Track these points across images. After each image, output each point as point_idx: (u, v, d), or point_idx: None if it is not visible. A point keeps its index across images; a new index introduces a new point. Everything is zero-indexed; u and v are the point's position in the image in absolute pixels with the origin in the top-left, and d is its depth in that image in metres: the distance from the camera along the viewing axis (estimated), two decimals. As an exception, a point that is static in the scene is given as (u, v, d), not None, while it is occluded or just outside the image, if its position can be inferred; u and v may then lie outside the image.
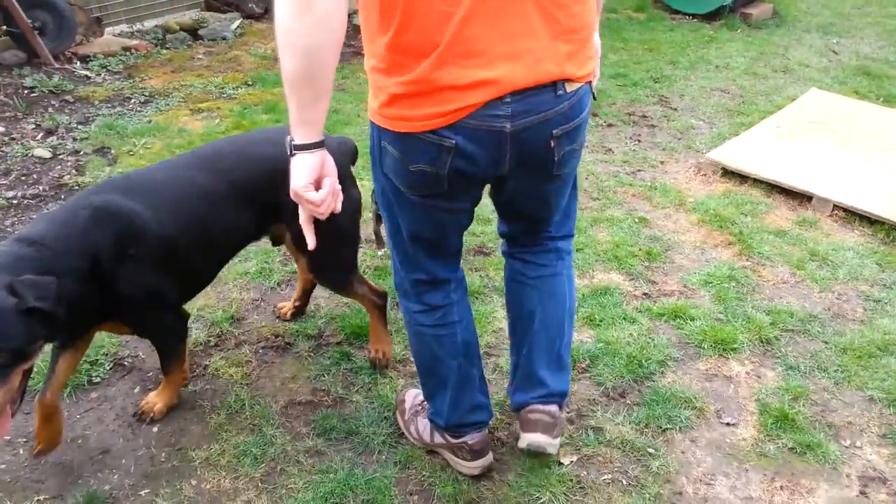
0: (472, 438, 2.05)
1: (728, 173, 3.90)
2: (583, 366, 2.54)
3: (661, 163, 4.09)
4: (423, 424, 2.16)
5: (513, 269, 2.07)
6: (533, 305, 2.02)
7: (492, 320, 2.74)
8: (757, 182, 3.80)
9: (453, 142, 1.54)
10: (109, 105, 4.46)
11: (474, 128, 1.53)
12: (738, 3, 6.14)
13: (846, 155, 3.96)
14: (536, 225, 1.98)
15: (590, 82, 1.68)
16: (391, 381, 2.45)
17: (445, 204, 1.72)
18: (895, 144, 4.06)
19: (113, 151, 3.91)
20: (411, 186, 1.67)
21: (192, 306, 2.73)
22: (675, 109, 4.73)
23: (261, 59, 5.23)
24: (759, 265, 3.18)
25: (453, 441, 2.08)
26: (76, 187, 3.56)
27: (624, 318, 2.79)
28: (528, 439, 2.02)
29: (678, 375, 2.53)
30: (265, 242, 2.48)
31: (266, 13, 6.06)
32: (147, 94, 4.61)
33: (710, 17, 6.21)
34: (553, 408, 2.02)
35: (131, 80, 4.78)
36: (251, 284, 2.91)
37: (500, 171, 1.65)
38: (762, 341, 2.69)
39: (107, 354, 2.52)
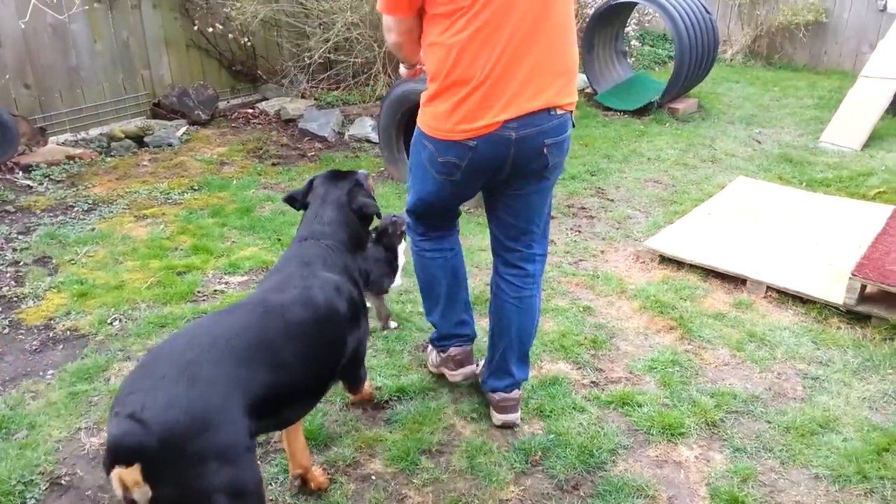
0: (455, 350, 2.81)
1: (665, 260, 4.04)
2: (535, 458, 2.54)
3: (602, 252, 4.21)
4: (431, 353, 2.95)
5: (498, 286, 2.63)
6: (511, 318, 2.61)
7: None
8: (693, 267, 3.94)
9: (475, 143, 2.25)
10: (52, 214, 4.42)
11: (490, 136, 2.22)
12: (665, 99, 6.50)
13: (775, 238, 4.15)
14: (521, 235, 2.53)
15: (571, 111, 2.33)
16: (341, 485, 2.40)
17: (458, 185, 2.40)
18: (819, 226, 4.28)
19: (54, 261, 3.86)
20: (439, 171, 2.37)
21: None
22: (612, 200, 4.91)
23: (206, 163, 5.29)
24: (700, 348, 3.26)
25: (443, 355, 2.84)
26: (15, 299, 3.48)
27: (573, 408, 2.82)
28: (502, 419, 2.71)
29: (629, 463, 2.54)
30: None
31: (212, 119, 6.17)
32: (91, 201, 4.60)
33: (640, 112, 6.56)
34: (516, 392, 2.70)
35: (75, 189, 4.77)
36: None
37: (504, 169, 2.30)
38: (708, 424, 2.73)
39: (42, 473, 2.42)
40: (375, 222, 2.66)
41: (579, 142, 5.94)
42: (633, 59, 8.13)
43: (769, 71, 8.32)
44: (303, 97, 6.56)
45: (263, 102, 6.55)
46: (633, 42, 8.38)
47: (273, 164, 5.36)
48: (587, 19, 6.95)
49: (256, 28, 6.20)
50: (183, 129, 5.81)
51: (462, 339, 2.83)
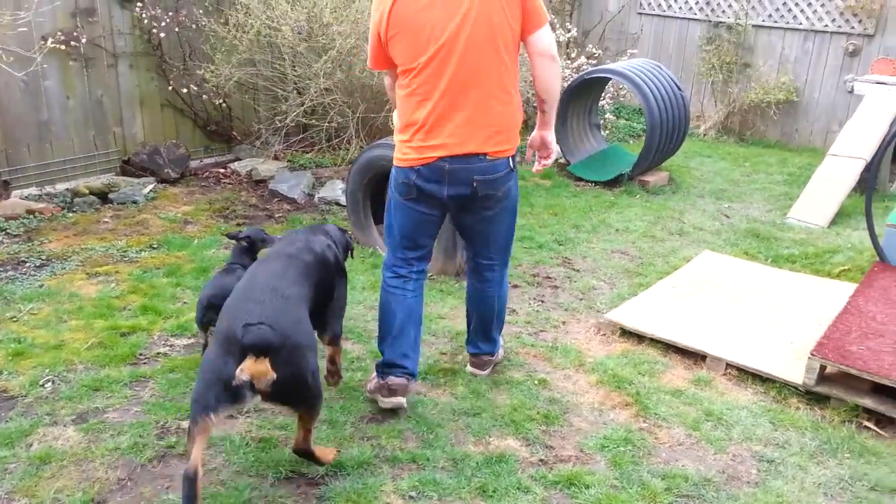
0: (392, 380, 3.10)
1: (626, 333, 3.97)
2: (471, 542, 2.41)
3: (563, 323, 4.14)
4: (372, 379, 3.23)
5: (469, 283, 3.41)
6: (473, 306, 3.42)
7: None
8: (654, 341, 3.87)
9: (419, 169, 2.95)
10: (2, 269, 4.32)
11: (429, 165, 2.93)
12: (636, 171, 6.54)
13: (738, 313, 4.10)
14: (480, 250, 3.27)
15: (509, 157, 3.00)
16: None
17: (416, 206, 3.05)
18: (783, 303, 4.24)
19: (-4, 317, 3.74)
20: (400, 193, 3.06)
21: (49, 488, 2.52)
22: (578, 271, 4.87)
23: (169, 222, 5.23)
24: (655, 426, 3.16)
25: (381, 381, 3.13)
26: (-52, 357, 3.35)
27: (518, 488, 2.70)
28: (471, 370, 3.53)
29: (571, 550, 2.41)
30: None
31: (182, 178, 6.14)
32: (44, 257, 4.50)
33: (611, 184, 6.59)
34: (486, 357, 3.52)
35: (30, 244, 4.68)
36: (119, 461, 2.71)
37: (442, 193, 2.96)
38: (656, 509, 2.62)
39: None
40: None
41: (549, 211, 5.94)
42: (607, 131, 8.23)
43: (741, 147, 8.44)
44: (276, 158, 6.56)
45: (236, 163, 6.54)
46: (608, 115, 8.50)
47: (238, 224, 5.30)
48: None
49: (232, 90, 6.24)
50: (150, 187, 5.76)
51: (402, 370, 3.15)
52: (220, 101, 6.29)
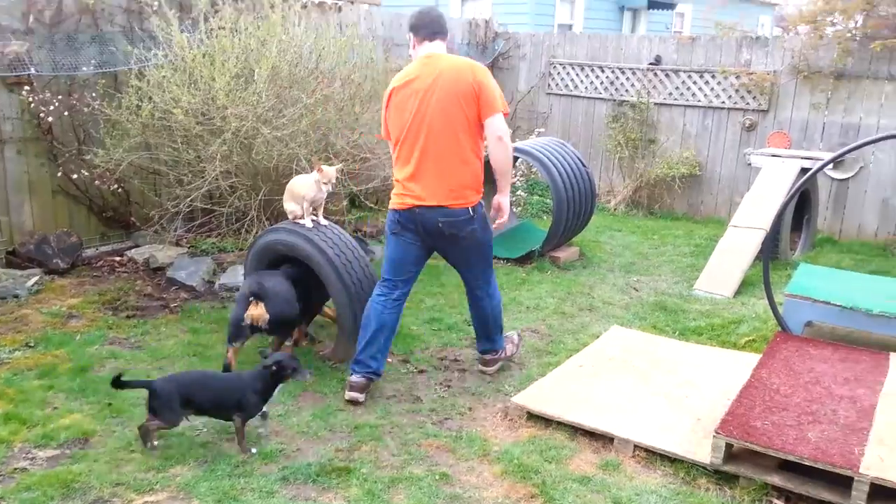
0: (354, 378, 3.97)
1: (534, 416, 3.82)
2: None
3: (470, 409, 3.97)
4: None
5: (467, 297, 4.33)
6: (474, 315, 4.35)
7: None
8: (561, 424, 3.73)
9: (400, 213, 3.96)
10: None
11: (406, 211, 3.93)
12: (546, 247, 6.54)
13: (646, 391, 4.02)
14: (463, 273, 4.26)
15: (468, 207, 3.93)
16: None
17: (401, 236, 4.01)
18: (690, 378, 4.19)
19: None
20: (390, 229, 4.06)
21: None
22: (488, 352, 4.73)
23: (52, 316, 4.87)
24: (560, 520, 2.98)
25: (349, 378, 4.00)
26: None
27: None
28: (480, 368, 4.43)
29: None
30: None
31: (73, 268, 5.79)
32: None
33: (523, 260, 6.56)
34: (489, 356, 4.41)
35: None
36: None
37: (418, 231, 3.97)
38: None
39: None
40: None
41: (459, 290, 5.79)
42: (520, 208, 8.29)
43: (650, 220, 8.62)
44: (177, 244, 6.29)
45: (133, 250, 6.23)
46: (521, 192, 8.59)
47: (128, 317, 4.98)
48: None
49: (130, 174, 5.99)
50: (35, 279, 5.39)
51: (367, 370, 4.01)
52: (115, 186, 6.02)
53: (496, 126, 3.87)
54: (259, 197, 5.67)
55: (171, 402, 3.32)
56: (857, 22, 7.68)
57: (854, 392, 3.70)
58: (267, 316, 3.94)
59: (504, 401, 4.04)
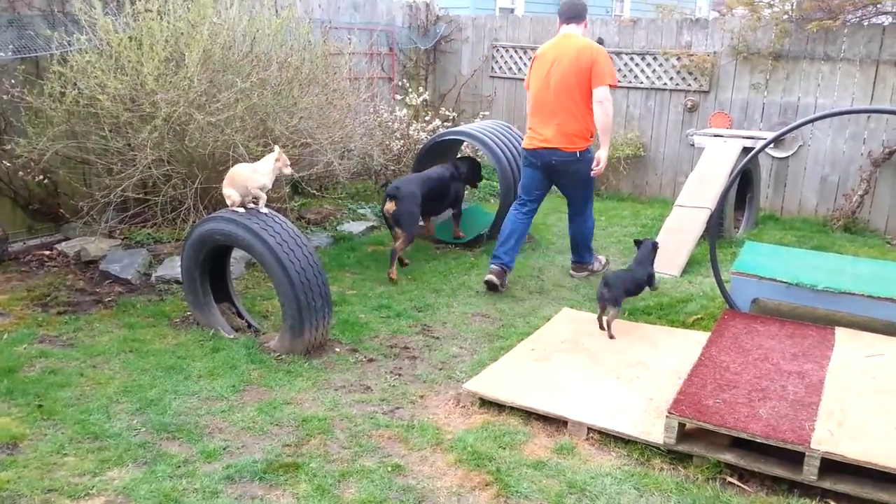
0: (493, 267, 5.44)
1: (486, 403, 3.75)
2: None
3: (421, 397, 3.87)
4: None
5: (568, 217, 5.83)
6: (570, 232, 5.87)
7: None
8: (514, 410, 3.67)
9: (527, 151, 5.55)
10: None
11: (532, 150, 5.50)
12: (495, 230, 6.46)
13: (598, 373, 3.98)
14: (569, 201, 5.69)
15: (575, 151, 5.34)
16: None
17: (528, 168, 5.60)
18: (641, 358, 4.17)
19: None
20: (523, 161, 5.70)
21: None
22: (438, 338, 4.64)
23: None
24: (516, 508, 2.92)
25: (489, 267, 5.49)
26: None
27: None
28: (570, 271, 5.91)
29: None
30: None
31: (-3, 264, 5.48)
32: None
33: (471, 244, 6.49)
34: (575, 265, 5.90)
35: None
36: None
37: (539, 165, 5.46)
38: None
39: None
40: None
41: (407, 276, 5.73)
42: (467, 191, 8.19)
43: (597, 201, 8.46)
44: (110, 236, 6.00)
45: (63, 243, 5.93)
46: (468, 175, 8.49)
47: (59, 314, 4.72)
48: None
49: (57, 164, 5.68)
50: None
51: (500, 262, 5.45)
52: (41, 177, 5.70)
53: (599, 94, 5.16)
54: (195, 185, 5.44)
55: None
56: (793, 4, 7.80)
57: (802, 367, 3.73)
58: (394, 209, 5.64)
59: (456, 387, 3.95)
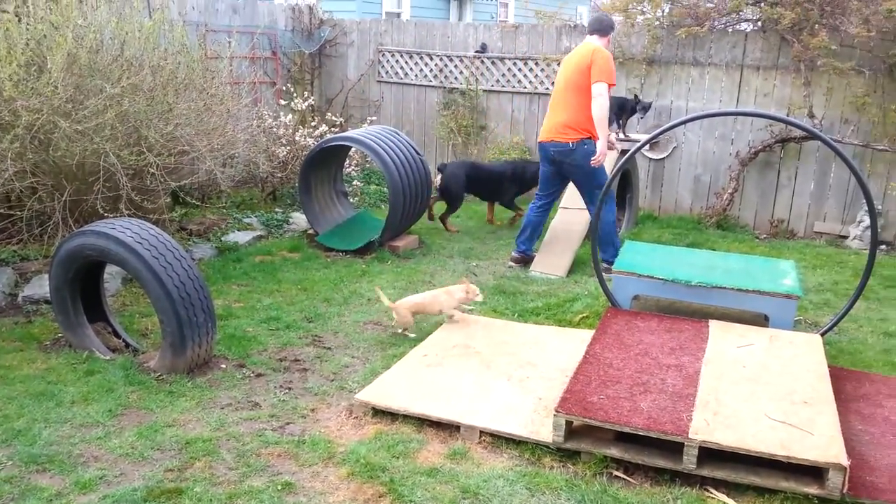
0: (513, 254, 6.37)
1: (380, 412, 3.71)
2: None
3: (313, 410, 3.79)
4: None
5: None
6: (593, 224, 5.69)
7: None
8: (407, 418, 3.65)
9: (540, 143, 6.10)
10: None
11: (540, 142, 6.09)
12: (384, 237, 6.44)
13: (489, 376, 4.03)
14: (582, 194, 6.12)
15: (569, 141, 5.81)
16: None
17: (543, 165, 6.17)
18: (530, 359, 4.25)
19: None
20: (540, 158, 6.24)
21: None
22: (329, 349, 4.56)
23: None
24: (410, 517, 2.89)
25: (512, 253, 6.41)
26: None
27: None
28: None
29: None
30: None
31: None
32: None
33: (362, 251, 6.43)
34: (604, 264, 5.71)
35: None
36: None
37: (545, 156, 6.03)
38: None
39: None
40: None
41: (298, 286, 5.61)
42: (357, 198, 8.14)
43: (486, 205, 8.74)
44: (-31, 255, 5.55)
45: (-85, 265, 5.44)
46: (357, 182, 8.43)
47: None
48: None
49: None
50: None
51: (519, 250, 6.26)
52: None
53: (594, 89, 5.61)
54: (63, 198, 5.11)
55: None
56: (664, 11, 8.20)
57: (680, 360, 3.91)
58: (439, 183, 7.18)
59: (348, 398, 3.89)
